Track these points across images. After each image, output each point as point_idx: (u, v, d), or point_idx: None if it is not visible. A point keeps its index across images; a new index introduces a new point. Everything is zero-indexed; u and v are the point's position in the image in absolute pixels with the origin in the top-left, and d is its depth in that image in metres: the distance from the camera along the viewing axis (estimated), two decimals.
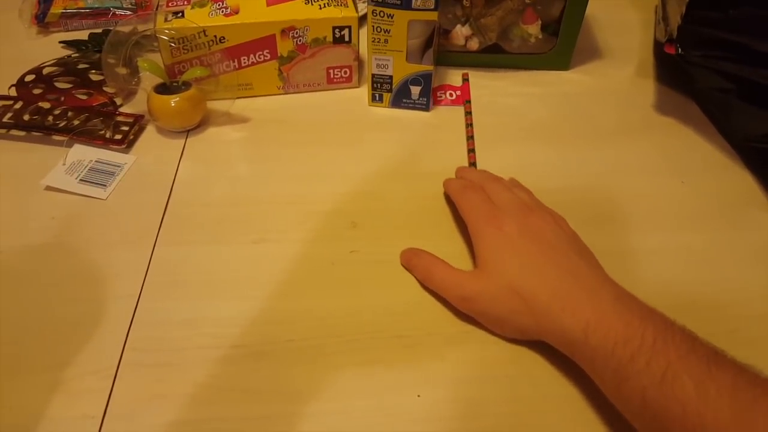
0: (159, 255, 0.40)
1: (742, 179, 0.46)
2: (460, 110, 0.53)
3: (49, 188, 0.44)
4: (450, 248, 0.40)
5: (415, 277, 0.38)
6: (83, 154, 0.46)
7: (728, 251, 0.41)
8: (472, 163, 0.47)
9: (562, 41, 0.55)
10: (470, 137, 0.50)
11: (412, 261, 0.39)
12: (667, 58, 0.49)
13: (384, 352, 0.35)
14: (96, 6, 0.62)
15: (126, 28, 0.54)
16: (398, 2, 0.46)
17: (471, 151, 0.48)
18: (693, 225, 0.43)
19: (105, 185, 0.44)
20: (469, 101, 0.53)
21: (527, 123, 0.51)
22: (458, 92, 0.55)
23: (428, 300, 0.37)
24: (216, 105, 0.51)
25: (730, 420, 0.24)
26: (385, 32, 0.48)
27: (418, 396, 0.33)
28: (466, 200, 0.39)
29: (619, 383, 0.28)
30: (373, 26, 0.48)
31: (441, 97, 0.54)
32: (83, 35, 0.59)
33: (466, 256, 0.40)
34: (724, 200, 0.44)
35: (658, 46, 0.58)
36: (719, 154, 0.48)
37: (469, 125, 0.51)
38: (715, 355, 0.27)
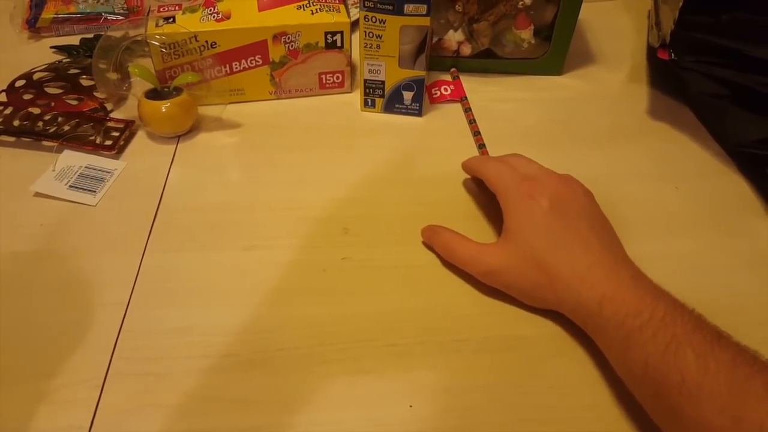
0: (148, 262, 0.39)
1: (736, 185, 0.46)
2: (453, 115, 0.52)
3: (38, 194, 0.43)
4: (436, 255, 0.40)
5: (437, 253, 0.39)
6: (73, 160, 0.46)
7: (722, 258, 0.41)
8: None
9: (555, 46, 0.55)
10: (477, 133, 0.50)
11: (432, 238, 0.39)
12: (660, 63, 0.49)
13: (376, 360, 0.34)
14: (87, 11, 0.61)
15: (117, 34, 0.53)
16: (390, 8, 0.46)
17: (482, 146, 0.48)
18: (687, 231, 0.43)
19: (95, 191, 0.44)
20: (466, 97, 0.53)
21: (520, 128, 0.51)
22: (452, 86, 0.54)
23: (420, 307, 0.37)
24: (207, 110, 0.51)
25: (726, 391, 0.25)
26: (377, 38, 0.48)
27: (411, 406, 0.32)
28: (492, 169, 0.39)
29: (626, 351, 0.29)
30: (365, 32, 0.48)
31: (435, 93, 0.54)
32: (74, 40, 0.59)
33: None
34: (718, 206, 0.44)
35: (651, 52, 0.59)
36: (713, 159, 0.48)
37: (472, 121, 0.51)
38: (719, 335, 0.28)
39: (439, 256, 0.39)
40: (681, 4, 0.44)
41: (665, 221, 0.43)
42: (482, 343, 0.35)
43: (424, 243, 0.40)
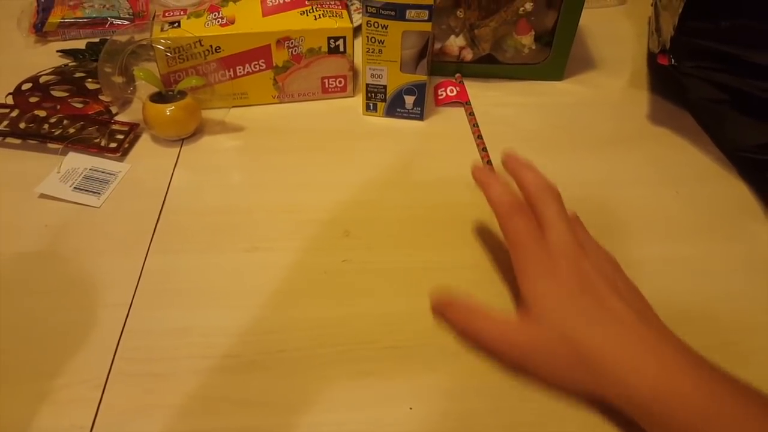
0: (151, 263, 0.39)
1: (737, 189, 0.46)
2: (454, 119, 0.53)
3: (43, 196, 0.44)
4: (443, 258, 0.40)
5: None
6: (78, 162, 0.46)
7: (722, 262, 0.41)
8: (488, 162, 0.48)
9: (556, 52, 0.55)
10: (479, 137, 0.50)
11: (446, 314, 0.35)
12: (660, 68, 0.49)
13: (376, 362, 0.34)
14: (94, 16, 0.62)
15: (123, 38, 0.54)
16: (392, 13, 0.46)
17: (484, 150, 0.49)
18: (686, 235, 0.43)
19: (99, 193, 0.44)
20: (470, 102, 0.54)
21: (521, 133, 0.52)
22: (458, 88, 0.55)
23: (421, 309, 0.37)
24: (211, 114, 0.51)
25: None
26: (379, 43, 0.48)
27: (410, 408, 0.32)
28: (514, 229, 0.34)
29: None
30: (367, 37, 0.48)
31: (441, 94, 0.55)
32: (81, 44, 0.60)
33: (459, 266, 0.40)
34: (718, 210, 0.45)
35: (651, 57, 0.59)
36: (713, 164, 0.48)
37: (475, 125, 0.51)
38: None
39: (438, 259, 0.40)
40: (681, 10, 0.44)
41: (665, 225, 0.43)
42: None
43: (434, 313, 0.36)
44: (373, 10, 0.46)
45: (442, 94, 0.55)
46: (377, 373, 0.34)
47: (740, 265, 0.40)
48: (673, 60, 0.47)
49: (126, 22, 0.62)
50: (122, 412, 0.32)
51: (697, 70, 0.47)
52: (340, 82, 0.54)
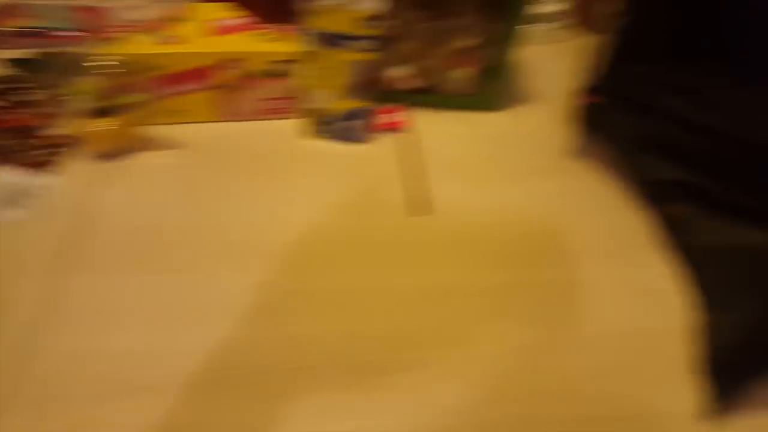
0: (66, 284, 0.39)
1: (637, 220, 0.49)
2: (392, 145, 0.54)
3: None
4: (363, 280, 0.41)
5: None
6: (6, 176, 0.45)
7: (619, 286, 0.43)
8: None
9: (492, 85, 0.58)
10: (413, 163, 0.51)
11: None
12: (588, 105, 0.52)
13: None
14: (42, 27, 0.61)
15: (66, 50, 0.54)
16: (340, 41, 0.48)
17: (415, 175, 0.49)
18: (591, 260, 0.45)
19: (21, 208, 0.43)
20: (407, 129, 0.55)
21: (453, 160, 0.54)
22: (397, 116, 0.57)
23: (335, 332, 0.38)
24: (150, 130, 0.51)
25: None
26: (324, 68, 0.50)
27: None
28: None
29: None
30: (313, 62, 0.49)
31: (382, 120, 0.56)
32: (23, 55, 0.59)
33: (379, 290, 0.41)
34: (620, 238, 0.47)
35: (581, 94, 0.62)
36: (620, 195, 0.51)
37: (410, 152, 0.52)
38: None
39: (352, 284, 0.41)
40: (612, 52, 0.48)
41: (575, 250, 0.46)
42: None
43: None
44: (321, 37, 0.48)
45: (382, 120, 0.56)
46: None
47: (633, 288, 0.43)
48: (599, 98, 0.50)
49: (70, 35, 0.61)
50: None
51: (619, 109, 0.50)
52: (283, 104, 0.55)
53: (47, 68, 0.50)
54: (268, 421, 0.33)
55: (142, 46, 0.49)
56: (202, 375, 0.35)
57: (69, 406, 0.33)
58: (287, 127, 0.55)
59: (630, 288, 0.43)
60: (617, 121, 0.51)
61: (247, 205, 0.46)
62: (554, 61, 0.70)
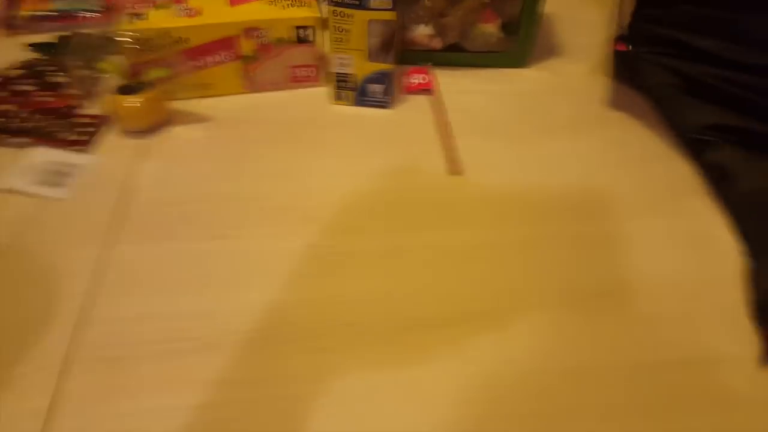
0: (117, 254, 0.40)
1: (683, 168, 0.48)
2: (422, 107, 0.54)
3: (7, 190, 0.44)
4: (406, 240, 0.41)
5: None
6: (44, 155, 0.47)
7: (667, 236, 0.42)
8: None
9: (521, 40, 0.56)
10: (446, 124, 0.51)
11: None
12: (619, 54, 0.50)
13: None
14: (64, 9, 0.62)
15: (91, 31, 0.54)
16: (356, 2, 0.47)
17: (450, 136, 0.49)
18: (638, 212, 0.44)
19: (65, 186, 0.44)
20: (438, 90, 0.55)
21: (486, 120, 0.53)
22: (427, 77, 0.56)
23: (380, 291, 0.38)
24: (179, 105, 0.52)
25: None
26: (345, 32, 0.49)
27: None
28: None
29: None
30: (333, 26, 0.49)
31: (409, 82, 0.55)
32: (50, 38, 0.59)
33: (421, 246, 0.41)
34: (666, 188, 0.46)
35: (611, 43, 0.60)
36: (664, 145, 0.50)
37: (443, 113, 0.52)
38: None
39: (399, 242, 0.41)
40: None
41: (617, 202, 0.45)
42: (435, 320, 0.36)
43: None
44: (338, 0, 0.47)
45: (410, 83, 0.56)
46: (331, 348, 0.35)
47: (682, 239, 0.42)
48: (630, 46, 0.48)
49: (95, 16, 0.62)
50: (81, 396, 0.32)
51: (652, 56, 0.48)
52: (308, 72, 0.55)
53: (74, 50, 0.51)
54: (323, 372, 0.34)
55: (163, 20, 0.49)
56: (256, 333, 0.36)
57: (136, 364, 0.34)
58: (315, 95, 0.55)
59: (677, 238, 0.42)
60: (651, 69, 0.50)
61: (284, 173, 0.46)
62: (582, 11, 0.67)
